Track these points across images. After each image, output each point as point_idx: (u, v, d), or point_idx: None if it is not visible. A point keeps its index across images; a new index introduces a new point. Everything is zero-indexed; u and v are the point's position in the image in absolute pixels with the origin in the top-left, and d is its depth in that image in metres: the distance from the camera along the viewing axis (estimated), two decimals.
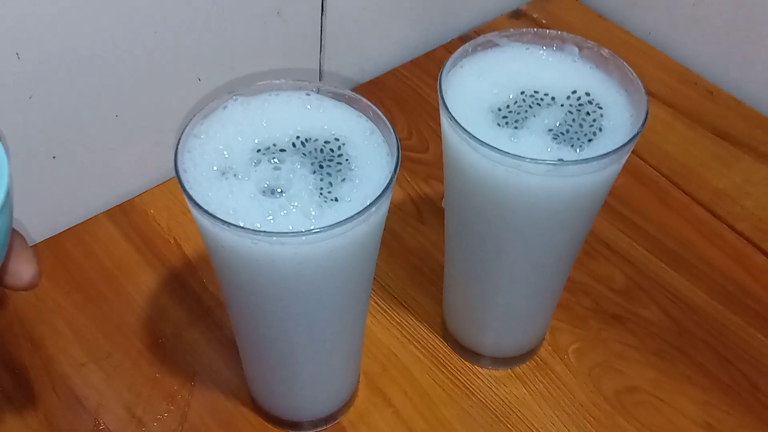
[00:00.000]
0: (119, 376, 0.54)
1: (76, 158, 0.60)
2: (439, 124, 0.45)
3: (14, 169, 0.55)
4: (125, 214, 0.63)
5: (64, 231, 0.62)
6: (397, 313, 0.58)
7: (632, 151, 0.43)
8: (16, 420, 0.52)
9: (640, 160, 0.68)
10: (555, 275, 0.51)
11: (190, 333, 0.56)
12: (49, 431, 0.51)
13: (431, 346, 0.56)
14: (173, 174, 0.39)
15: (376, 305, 0.58)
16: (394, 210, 0.64)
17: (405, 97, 0.74)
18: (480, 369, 0.55)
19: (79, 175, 0.61)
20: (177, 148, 0.40)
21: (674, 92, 0.75)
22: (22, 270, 0.38)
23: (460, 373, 0.55)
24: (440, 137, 0.47)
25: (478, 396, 0.54)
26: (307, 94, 0.44)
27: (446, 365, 0.55)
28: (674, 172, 0.68)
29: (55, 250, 0.61)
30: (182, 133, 0.41)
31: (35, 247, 0.61)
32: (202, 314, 0.57)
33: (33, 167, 0.57)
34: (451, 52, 0.46)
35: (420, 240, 0.63)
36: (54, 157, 0.58)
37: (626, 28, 0.82)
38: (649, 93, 0.73)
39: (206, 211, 0.37)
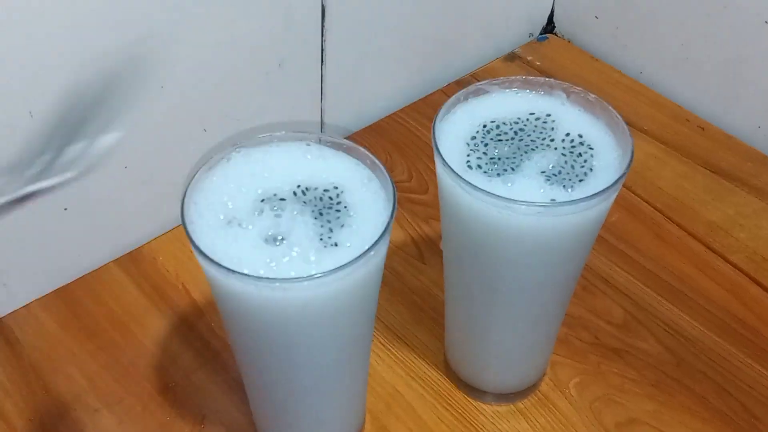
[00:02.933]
0: (131, 421, 0.55)
1: (86, 209, 0.61)
2: None
3: (27, 220, 0.57)
4: (134, 262, 0.65)
5: (75, 280, 0.64)
6: (401, 351, 0.59)
7: (626, 187, 0.44)
8: None
9: (635, 196, 0.70)
10: (553, 311, 0.52)
11: (199, 376, 0.58)
12: None
13: (434, 384, 0.57)
14: (180, 221, 0.41)
15: (379, 344, 0.59)
16: (395, 250, 0.66)
17: (404, 141, 0.76)
18: (483, 405, 0.56)
19: (89, 225, 0.63)
20: (183, 201, 0.42)
21: (666, 129, 0.77)
22: None
23: (464, 409, 0.56)
24: None
25: None
26: (308, 144, 0.45)
27: (450, 402, 0.56)
28: (668, 206, 0.69)
29: (67, 299, 0.62)
30: (188, 185, 0.42)
31: (46, 297, 0.62)
32: (210, 358, 0.59)
33: (45, 218, 0.59)
34: (447, 96, 0.48)
35: (421, 279, 0.64)
36: (65, 209, 0.60)
37: (618, 68, 0.84)
38: (642, 130, 0.76)
39: (212, 261, 0.39)
